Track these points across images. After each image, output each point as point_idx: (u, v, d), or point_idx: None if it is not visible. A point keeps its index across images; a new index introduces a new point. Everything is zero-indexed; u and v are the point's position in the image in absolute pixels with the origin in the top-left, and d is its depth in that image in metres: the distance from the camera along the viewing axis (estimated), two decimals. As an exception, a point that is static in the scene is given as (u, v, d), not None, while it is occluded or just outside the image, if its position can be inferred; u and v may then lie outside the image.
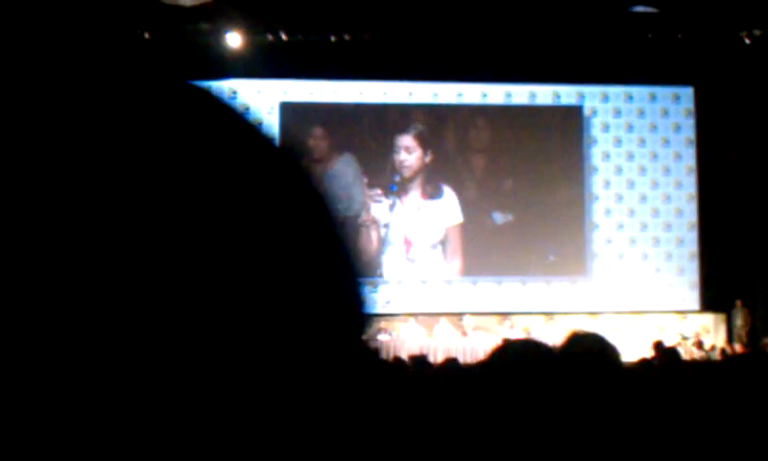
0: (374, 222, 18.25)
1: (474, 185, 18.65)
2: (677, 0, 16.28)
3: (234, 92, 18.31)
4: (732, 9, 16.78)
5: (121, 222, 0.52)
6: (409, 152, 18.37)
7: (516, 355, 2.83)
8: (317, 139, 18.42)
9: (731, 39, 18.25)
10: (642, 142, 19.03)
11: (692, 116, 19.04)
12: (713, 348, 17.70)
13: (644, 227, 18.95)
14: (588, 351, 2.93)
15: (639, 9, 16.57)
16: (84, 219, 0.51)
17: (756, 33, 18.10)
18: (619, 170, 19.01)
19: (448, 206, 18.38)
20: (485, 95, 18.93)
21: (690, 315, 18.71)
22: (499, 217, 18.60)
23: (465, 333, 17.61)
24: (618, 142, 19.03)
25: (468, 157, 18.75)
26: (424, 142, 18.43)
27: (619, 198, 18.99)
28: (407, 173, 18.32)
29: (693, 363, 14.86)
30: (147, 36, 17.68)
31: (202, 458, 0.52)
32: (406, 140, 18.40)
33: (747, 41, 18.25)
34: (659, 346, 14.96)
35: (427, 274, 18.34)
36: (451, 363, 8.69)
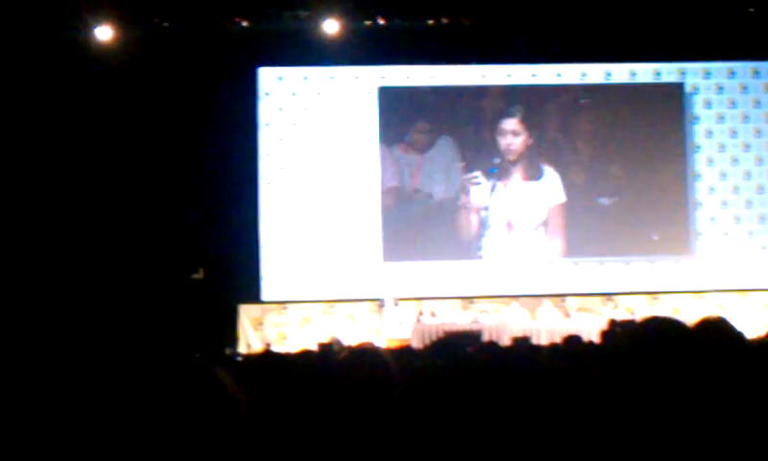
0: (474, 205, 18.23)
1: (576, 167, 18.51)
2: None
3: (332, 78, 18.50)
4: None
5: None
6: (515, 135, 18.28)
7: (657, 334, 2.83)
8: (419, 133, 18.44)
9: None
10: (746, 118, 18.73)
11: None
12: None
13: (749, 204, 18.66)
14: (718, 336, 2.92)
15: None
16: None
17: None
18: (722, 147, 18.73)
19: (550, 187, 18.28)
20: (584, 75, 18.78)
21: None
22: (605, 200, 18.46)
23: (568, 315, 17.56)
24: (721, 119, 18.74)
25: (569, 139, 18.61)
26: (524, 123, 18.33)
27: (723, 175, 18.71)
28: (512, 156, 18.25)
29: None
30: (246, 24, 17.85)
31: None
32: (512, 124, 18.30)
33: None
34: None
35: (529, 255, 18.27)
36: (574, 341, 8.64)
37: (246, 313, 18.09)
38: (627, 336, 3.03)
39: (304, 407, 4.46)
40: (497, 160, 18.25)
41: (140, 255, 17.49)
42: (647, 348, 2.89)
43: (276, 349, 16.79)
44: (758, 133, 18.70)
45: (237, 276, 18.07)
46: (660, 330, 2.96)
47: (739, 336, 3.06)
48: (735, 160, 18.71)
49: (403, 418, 4.13)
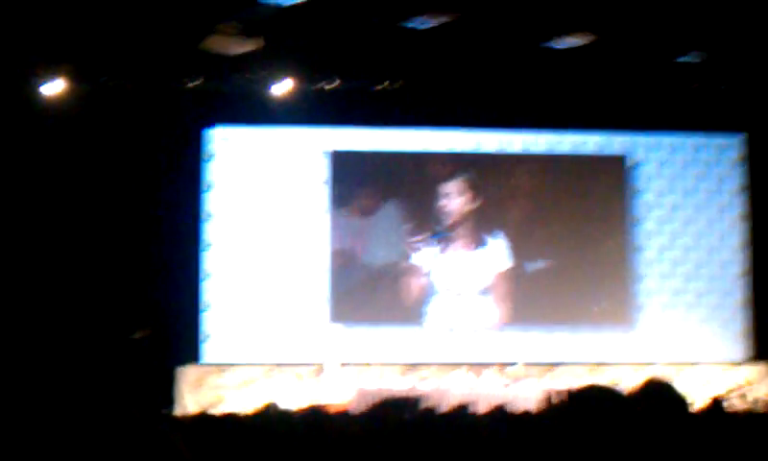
0: (419, 270, 18.24)
1: (520, 235, 18.60)
2: (725, 46, 16.22)
3: (281, 139, 18.50)
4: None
5: None
6: (454, 199, 18.36)
7: (588, 402, 2.83)
8: (367, 196, 18.46)
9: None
10: (686, 193, 18.93)
11: (739, 166, 18.94)
12: (757, 400, 17.47)
13: (688, 278, 18.82)
14: (662, 399, 2.92)
15: (686, 58, 16.53)
16: None
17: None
18: (663, 221, 18.91)
19: (495, 254, 18.36)
20: (529, 144, 18.90)
21: (737, 367, 18.53)
22: (548, 270, 18.53)
23: (509, 383, 17.52)
24: (663, 193, 18.94)
25: (512, 206, 18.71)
26: (470, 190, 18.43)
27: (662, 249, 18.88)
28: (452, 220, 18.33)
29: (738, 415, 14.68)
30: (193, 84, 17.81)
31: None
32: (451, 188, 18.41)
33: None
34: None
35: (473, 322, 18.29)
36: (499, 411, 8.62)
37: (184, 374, 17.90)
38: (563, 405, 3.03)
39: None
40: (442, 226, 18.30)
41: (80, 314, 17.29)
42: (582, 415, 2.89)
43: (212, 412, 16.60)
44: (699, 208, 18.91)
45: (178, 337, 17.90)
46: (596, 398, 2.97)
47: (684, 400, 3.07)
48: (675, 235, 18.88)
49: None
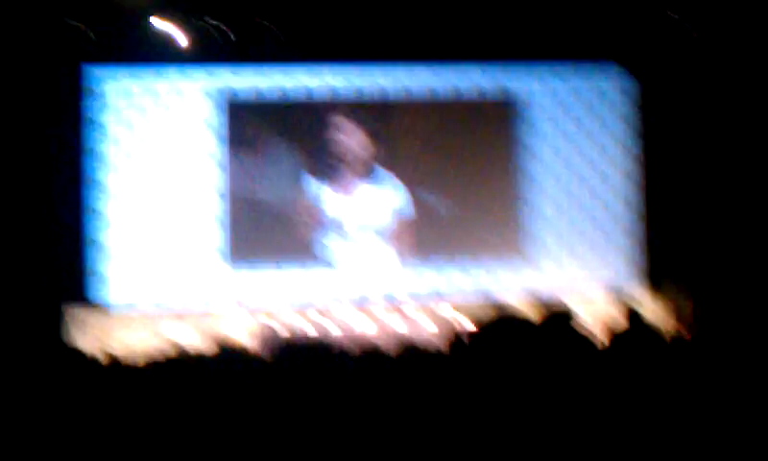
0: (316, 209, 18.19)
1: (414, 172, 18.63)
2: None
3: (163, 77, 18.21)
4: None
5: None
6: (353, 139, 18.29)
7: (496, 326, 2.78)
8: (260, 136, 18.31)
9: (657, 15, 18.37)
10: (580, 121, 19.07)
11: (623, 94, 19.13)
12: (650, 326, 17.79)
13: (582, 207, 19.04)
14: (566, 328, 2.90)
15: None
16: None
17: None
18: (557, 151, 19.04)
19: (389, 191, 18.37)
20: (412, 76, 18.82)
21: (630, 295, 18.83)
22: (432, 200, 18.61)
23: (407, 318, 17.66)
24: (556, 122, 19.05)
25: (407, 143, 18.69)
26: (368, 130, 18.37)
27: (557, 178, 19.03)
28: (346, 158, 18.26)
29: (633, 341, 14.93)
30: (74, 21, 17.39)
31: None
32: (343, 125, 18.31)
33: (674, 16, 18.39)
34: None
35: (368, 259, 18.33)
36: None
37: (71, 315, 17.59)
38: (467, 336, 3.00)
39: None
40: (338, 165, 18.24)
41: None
42: (487, 345, 2.86)
43: (114, 353, 16.40)
44: (590, 135, 19.09)
45: (66, 276, 17.61)
46: (502, 327, 2.94)
47: (586, 328, 3.06)
48: (568, 163, 19.07)
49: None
